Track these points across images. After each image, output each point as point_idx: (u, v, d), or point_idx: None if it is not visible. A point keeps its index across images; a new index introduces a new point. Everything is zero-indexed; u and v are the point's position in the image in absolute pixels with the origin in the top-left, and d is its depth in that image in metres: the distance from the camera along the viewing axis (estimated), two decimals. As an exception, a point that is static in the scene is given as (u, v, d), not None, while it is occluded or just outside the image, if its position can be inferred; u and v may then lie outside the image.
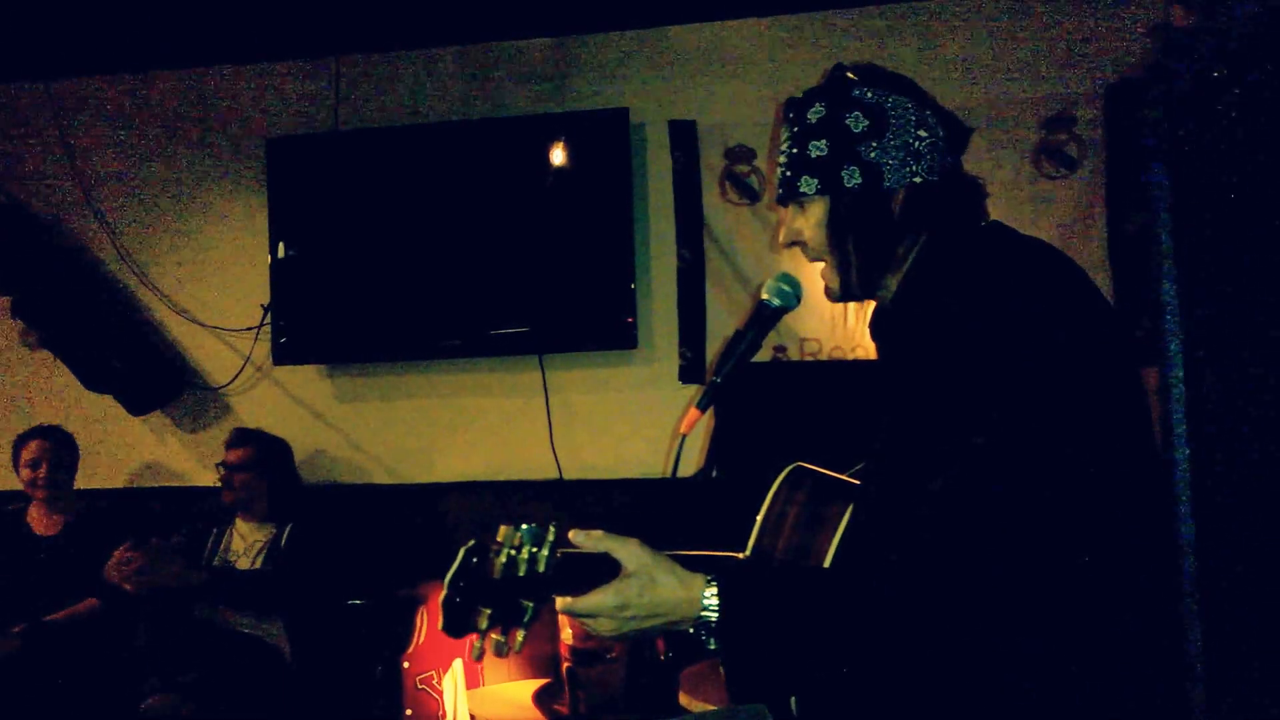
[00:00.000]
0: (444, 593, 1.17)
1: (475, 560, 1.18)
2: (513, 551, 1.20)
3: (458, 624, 1.18)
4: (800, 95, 1.50)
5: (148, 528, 3.49)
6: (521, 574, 1.19)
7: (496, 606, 1.19)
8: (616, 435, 3.97)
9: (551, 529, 1.23)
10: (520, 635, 1.23)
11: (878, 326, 1.53)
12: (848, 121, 1.42)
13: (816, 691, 1.39)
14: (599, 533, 1.27)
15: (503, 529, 1.22)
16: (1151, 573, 1.30)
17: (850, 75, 1.47)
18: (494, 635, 1.21)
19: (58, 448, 3.75)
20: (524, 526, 1.22)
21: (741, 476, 1.93)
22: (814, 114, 1.45)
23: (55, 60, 4.19)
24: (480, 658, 1.23)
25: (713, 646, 1.26)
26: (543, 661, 3.71)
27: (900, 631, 1.22)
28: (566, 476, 3.97)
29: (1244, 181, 1.77)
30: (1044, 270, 1.34)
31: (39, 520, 3.72)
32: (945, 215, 1.44)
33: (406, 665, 3.49)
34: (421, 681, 3.51)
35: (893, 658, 1.24)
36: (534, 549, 1.21)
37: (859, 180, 1.42)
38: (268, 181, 4.10)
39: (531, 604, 1.22)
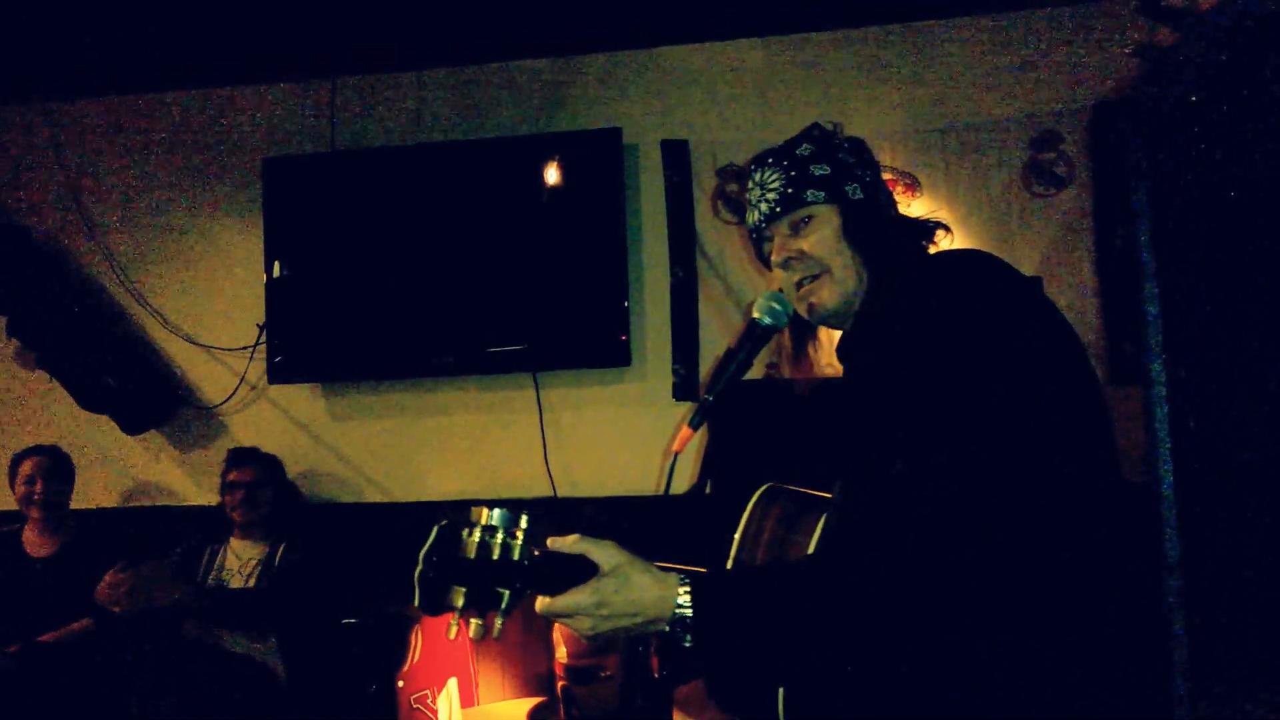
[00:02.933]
0: (418, 568, 1.19)
1: (448, 538, 1.21)
2: (487, 535, 1.22)
3: (432, 601, 1.20)
4: (776, 146, 1.59)
5: (142, 547, 3.50)
6: (495, 557, 1.22)
7: (471, 586, 1.21)
8: (610, 452, 3.98)
9: (524, 516, 1.25)
10: (499, 621, 1.25)
11: (846, 348, 1.56)
12: (840, 155, 1.55)
13: (794, 685, 1.42)
14: (575, 536, 1.30)
15: (474, 509, 1.25)
16: (1126, 563, 1.32)
17: (826, 129, 1.61)
18: (472, 619, 1.24)
19: (53, 467, 3.76)
20: (496, 510, 1.24)
21: (733, 493, 1.95)
22: (804, 150, 1.56)
23: (54, 82, 4.22)
24: (456, 636, 1.25)
25: (688, 643, 1.27)
26: (537, 680, 3.71)
27: (869, 614, 1.24)
28: (560, 494, 3.98)
29: (1225, 201, 1.80)
30: (1006, 278, 1.38)
31: (34, 541, 3.72)
32: (911, 242, 1.55)
33: (401, 684, 3.49)
34: (416, 700, 3.51)
35: (863, 644, 1.26)
36: (508, 536, 1.23)
37: (861, 196, 1.53)
38: (263, 201, 4.13)
39: (508, 592, 1.23)
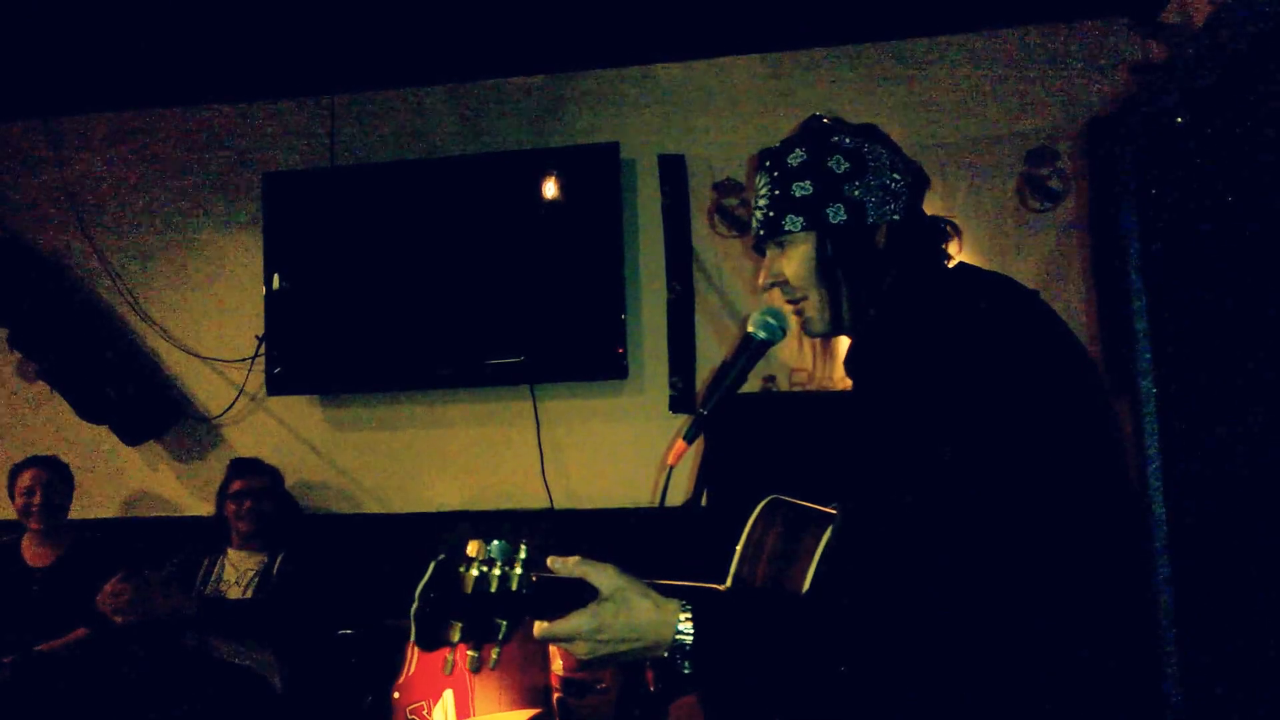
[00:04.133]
0: (414, 605, 1.19)
1: (446, 573, 1.20)
2: (484, 568, 1.22)
3: (429, 637, 1.20)
4: (777, 145, 1.54)
5: (140, 557, 3.51)
6: (493, 590, 1.21)
7: (468, 620, 1.21)
8: (606, 465, 3.99)
9: (523, 547, 1.25)
10: (495, 652, 1.24)
11: (854, 361, 1.54)
12: (830, 164, 1.48)
13: (792, 716, 1.41)
14: (576, 559, 1.29)
15: (472, 543, 1.24)
16: (1124, 590, 1.33)
17: (826, 122, 1.54)
18: (468, 650, 1.23)
19: (53, 477, 3.77)
20: (494, 542, 1.24)
21: (728, 506, 1.96)
22: (795, 159, 1.50)
23: (56, 97, 4.25)
24: (452, 671, 1.25)
25: (687, 670, 1.27)
26: (534, 692, 3.71)
27: (871, 653, 1.24)
28: (557, 506, 3.99)
29: (1215, 218, 1.82)
30: (1010, 304, 1.38)
31: (32, 551, 3.73)
32: (920, 252, 1.50)
33: (397, 696, 3.49)
34: (412, 712, 3.51)
35: (865, 679, 1.26)
36: (506, 567, 1.22)
37: (844, 217, 1.46)
38: (264, 215, 4.16)
39: (505, 622, 1.23)
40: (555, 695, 3.48)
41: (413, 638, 1.20)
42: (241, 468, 3.69)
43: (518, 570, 1.23)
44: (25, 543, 3.75)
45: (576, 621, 1.26)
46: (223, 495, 3.67)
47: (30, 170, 4.44)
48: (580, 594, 1.27)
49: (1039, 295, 1.41)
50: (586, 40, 3.87)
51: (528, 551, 1.25)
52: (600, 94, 4.11)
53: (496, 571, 1.22)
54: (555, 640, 1.29)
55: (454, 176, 4.02)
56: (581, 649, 1.28)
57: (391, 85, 4.20)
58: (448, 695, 3.55)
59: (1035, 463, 1.23)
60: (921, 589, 1.21)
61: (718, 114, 4.01)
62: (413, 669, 3.53)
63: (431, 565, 1.21)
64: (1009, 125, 3.78)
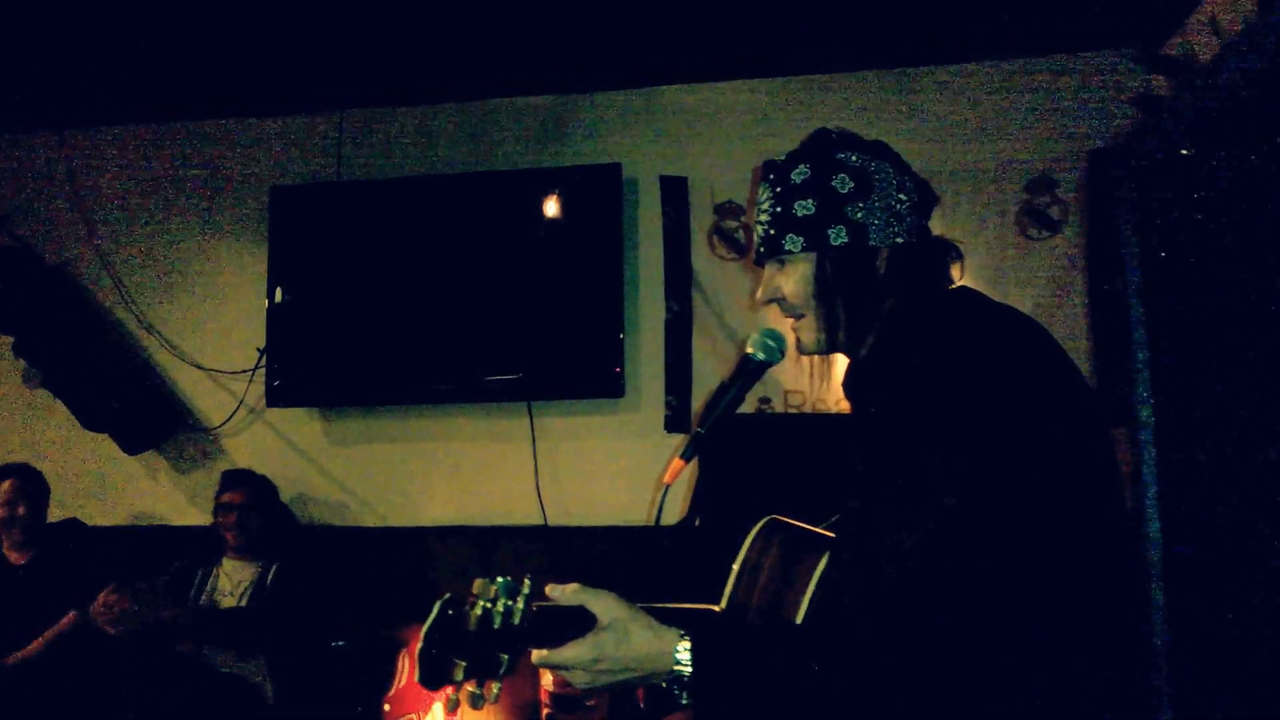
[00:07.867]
0: (420, 646, 1.19)
1: (451, 613, 1.20)
2: (488, 604, 1.22)
3: (434, 676, 1.20)
4: (782, 158, 1.52)
5: (137, 566, 3.50)
6: (497, 626, 1.21)
7: (471, 659, 1.21)
8: (602, 483, 4.00)
9: (526, 581, 1.25)
10: (495, 687, 1.24)
11: (852, 383, 1.53)
12: (834, 182, 1.45)
13: None
14: (575, 586, 1.29)
15: (477, 582, 1.24)
16: (1122, 632, 1.32)
17: (834, 138, 1.52)
18: (469, 687, 1.23)
19: (25, 486, 3.71)
20: (499, 580, 1.23)
21: (723, 526, 1.96)
22: (798, 175, 1.48)
23: (68, 110, 4.28)
24: (455, 709, 1.24)
25: (685, 701, 1.27)
26: (524, 708, 3.70)
27: (869, 694, 1.23)
28: (551, 523, 3.99)
29: (1213, 250, 1.84)
30: (1014, 337, 1.36)
31: (11, 553, 3.68)
32: (922, 276, 1.47)
33: (388, 708, 3.48)
34: (402, 725, 3.50)
35: (861, 717, 1.24)
36: (509, 602, 1.22)
37: (845, 239, 1.43)
38: (269, 228, 4.18)
39: (507, 656, 1.23)
40: (545, 711, 3.47)
41: (418, 678, 1.20)
42: (228, 480, 3.69)
43: (520, 605, 1.23)
44: (4, 543, 3.71)
45: (575, 651, 1.26)
46: (214, 506, 3.67)
47: (40, 180, 4.48)
48: (580, 621, 1.27)
49: (1039, 324, 1.39)
50: (592, 62, 3.90)
51: (531, 586, 1.25)
52: (604, 115, 4.14)
53: (500, 608, 1.22)
54: (553, 667, 1.28)
55: (458, 193, 4.04)
56: (580, 678, 1.28)
57: (399, 102, 4.23)
58: (437, 708, 3.55)
59: (1035, 505, 1.21)
60: (921, 635, 1.19)
61: (719, 137, 4.04)
62: (403, 681, 3.53)
63: (436, 606, 1.20)
64: (1010, 154, 3.80)
